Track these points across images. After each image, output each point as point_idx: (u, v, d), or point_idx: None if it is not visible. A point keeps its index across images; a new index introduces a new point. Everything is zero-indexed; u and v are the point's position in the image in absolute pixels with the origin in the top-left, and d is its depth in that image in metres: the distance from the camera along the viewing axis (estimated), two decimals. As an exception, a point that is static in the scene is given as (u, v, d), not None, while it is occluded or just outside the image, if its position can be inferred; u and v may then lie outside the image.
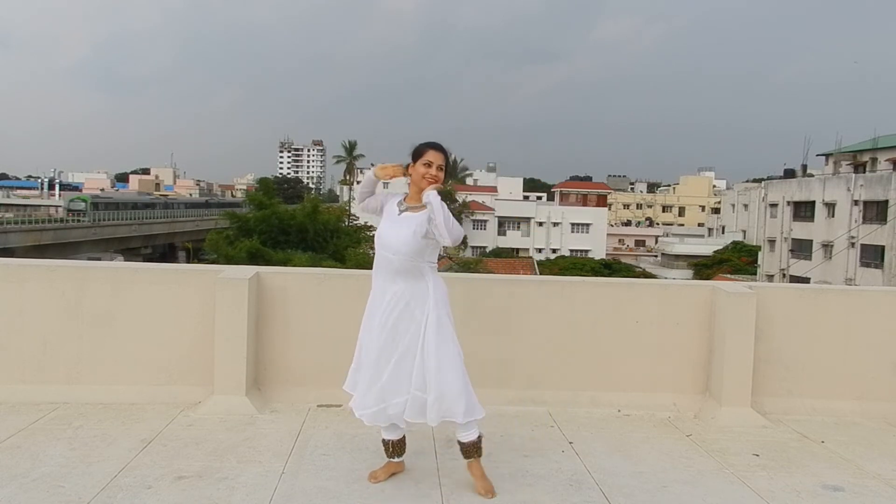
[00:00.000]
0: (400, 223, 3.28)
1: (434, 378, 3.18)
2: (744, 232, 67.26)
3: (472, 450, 3.33)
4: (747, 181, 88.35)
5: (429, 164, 3.28)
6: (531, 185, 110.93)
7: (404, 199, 3.37)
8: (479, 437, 3.33)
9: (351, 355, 3.48)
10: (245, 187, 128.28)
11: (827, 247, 40.04)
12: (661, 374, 4.84)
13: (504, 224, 70.86)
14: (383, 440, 3.46)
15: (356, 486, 3.38)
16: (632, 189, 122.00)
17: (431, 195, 3.21)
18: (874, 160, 44.06)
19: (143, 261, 41.87)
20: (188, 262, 41.03)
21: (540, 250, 67.97)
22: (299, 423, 4.22)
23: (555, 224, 70.46)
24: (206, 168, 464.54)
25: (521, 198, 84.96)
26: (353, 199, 74.26)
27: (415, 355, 3.22)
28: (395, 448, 3.44)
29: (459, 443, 3.33)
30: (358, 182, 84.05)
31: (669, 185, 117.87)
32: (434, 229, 3.20)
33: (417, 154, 3.33)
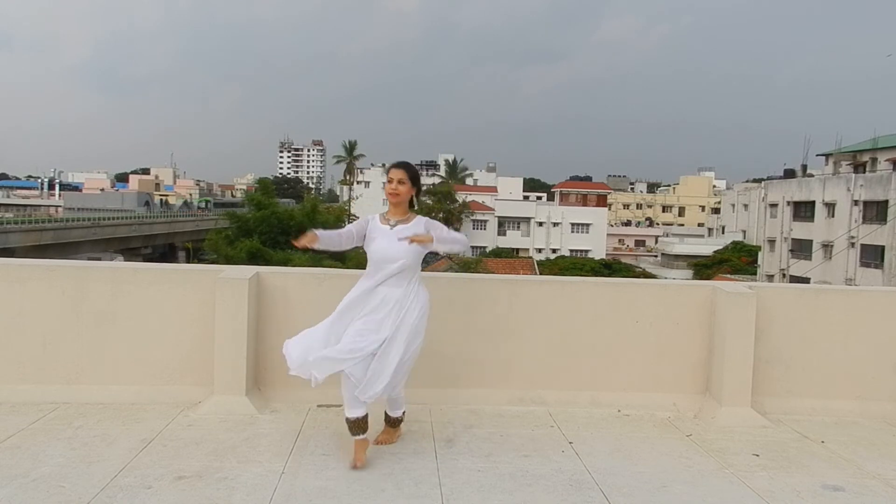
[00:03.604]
0: (397, 236, 3.66)
1: (394, 369, 3.59)
2: (744, 232, 67.26)
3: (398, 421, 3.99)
4: (747, 181, 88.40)
5: (390, 181, 3.77)
6: (531, 185, 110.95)
7: (387, 215, 3.81)
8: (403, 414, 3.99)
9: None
10: (245, 187, 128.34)
11: (827, 247, 40.04)
12: (661, 374, 4.84)
13: (504, 224, 70.85)
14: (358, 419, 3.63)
15: (356, 486, 3.38)
16: (632, 189, 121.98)
17: (433, 246, 3.64)
18: (874, 160, 44.04)
19: (143, 261, 41.85)
20: (188, 262, 41.05)
21: (540, 250, 67.97)
22: (299, 423, 4.22)
23: (555, 224, 70.45)
24: (206, 168, 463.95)
25: (521, 198, 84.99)
26: (353, 198, 74.42)
27: (392, 347, 3.61)
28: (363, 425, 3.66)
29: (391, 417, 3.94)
30: (358, 182, 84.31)
31: (669, 185, 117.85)
32: (450, 251, 3.96)
33: (388, 174, 3.85)
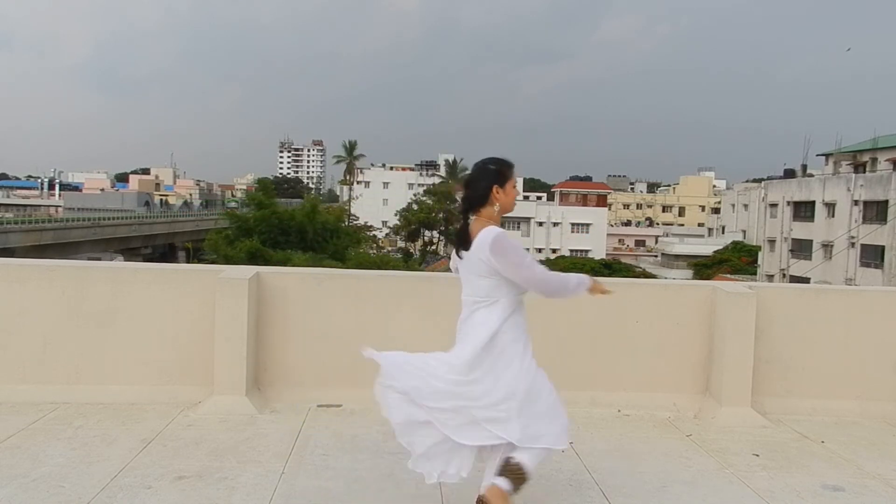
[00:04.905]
0: None
1: None
2: (744, 232, 67.26)
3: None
4: (747, 181, 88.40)
5: (514, 186, 3.02)
6: (531, 185, 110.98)
7: None
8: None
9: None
10: (245, 187, 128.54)
11: (827, 247, 40.05)
12: (661, 374, 4.84)
13: (504, 224, 68.85)
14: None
15: (356, 486, 3.38)
16: (632, 189, 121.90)
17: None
18: (874, 160, 44.05)
19: (143, 261, 41.85)
20: (188, 263, 41.07)
21: (540, 250, 67.97)
22: (299, 423, 4.22)
23: (555, 224, 70.52)
24: (206, 168, 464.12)
25: (521, 198, 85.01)
26: (353, 198, 74.19)
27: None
28: None
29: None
30: (358, 182, 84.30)
31: (669, 185, 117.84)
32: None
33: (504, 177, 2.95)
